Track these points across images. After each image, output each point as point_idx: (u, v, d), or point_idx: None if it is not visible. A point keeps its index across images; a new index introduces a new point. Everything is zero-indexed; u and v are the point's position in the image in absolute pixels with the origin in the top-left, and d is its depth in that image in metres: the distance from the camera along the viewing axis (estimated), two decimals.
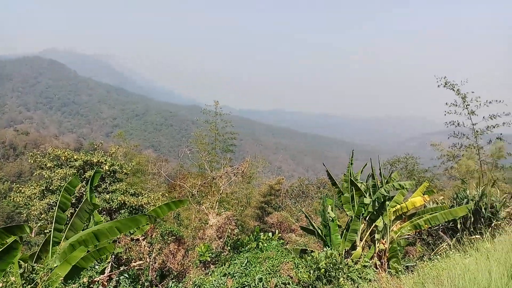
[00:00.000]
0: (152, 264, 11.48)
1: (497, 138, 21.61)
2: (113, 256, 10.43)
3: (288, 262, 10.17)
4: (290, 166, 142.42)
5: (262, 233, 11.56)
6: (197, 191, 14.08)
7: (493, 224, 13.33)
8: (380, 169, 14.15)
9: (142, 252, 11.41)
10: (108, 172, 16.14)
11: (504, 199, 14.60)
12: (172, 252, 11.84)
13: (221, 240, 10.74)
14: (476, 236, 12.30)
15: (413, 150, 33.11)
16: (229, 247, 10.85)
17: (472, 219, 14.60)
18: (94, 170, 10.82)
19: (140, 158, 28.40)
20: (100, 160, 16.19)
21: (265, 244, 11.14)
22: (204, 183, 15.12)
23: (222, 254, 10.76)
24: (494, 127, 21.17)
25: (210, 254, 10.59)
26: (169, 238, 12.39)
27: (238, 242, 11.33)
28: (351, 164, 14.31)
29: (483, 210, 14.20)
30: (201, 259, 10.68)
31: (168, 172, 29.95)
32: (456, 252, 10.17)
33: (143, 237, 11.85)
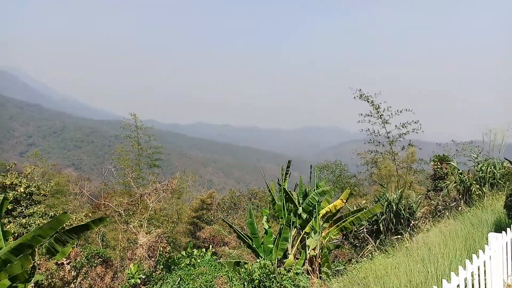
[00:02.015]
0: None
1: (409, 144, 23.46)
2: (32, 285, 9.56)
3: (222, 276, 10.05)
4: (221, 179, 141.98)
5: (195, 249, 11.32)
6: (124, 210, 13.43)
7: (411, 224, 14.30)
8: (311, 177, 14.58)
9: (66, 277, 10.60)
10: (24, 195, 14.86)
11: (419, 200, 15.75)
12: (100, 275, 11.15)
13: (153, 259, 10.32)
14: (397, 236, 13.10)
15: (332, 159, 34.65)
16: (161, 266, 10.46)
17: (394, 221, 15.57)
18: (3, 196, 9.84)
19: (60, 178, 26.60)
20: (14, 182, 14.87)
21: (198, 260, 10.92)
22: (132, 201, 14.49)
23: (154, 274, 10.34)
24: (405, 134, 22.98)
25: (141, 275, 10.13)
26: (96, 261, 11.66)
27: (170, 260, 10.97)
28: (286, 174, 14.60)
29: (402, 212, 15.20)
30: (131, 281, 10.17)
31: (91, 191, 28.32)
32: (380, 253, 10.74)
33: (67, 261, 11.03)
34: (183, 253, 11.41)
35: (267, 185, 15.89)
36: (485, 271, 5.65)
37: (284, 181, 14.46)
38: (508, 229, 6.66)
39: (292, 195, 13.93)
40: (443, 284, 4.47)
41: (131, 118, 26.96)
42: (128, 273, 10.02)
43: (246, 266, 10.23)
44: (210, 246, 11.47)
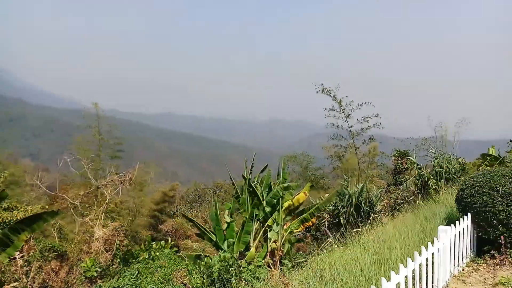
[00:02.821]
0: (30, 285, 10.31)
1: (369, 138, 23.99)
2: None
3: (181, 270, 9.96)
4: (186, 171, 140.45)
5: (154, 242, 11.14)
6: (80, 202, 13.02)
7: (371, 217, 14.62)
8: (280, 170, 14.64)
9: (18, 272, 10.17)
10: None
11: (379, 194, 16.13)
12: (54, 269, 10.78)
13: (109, 253, 10.07)
14: (357, 229, 13.37)
15: (302, 152, 35.02)
16: (118, 260, 10.23)
17: (354, 214, 15.88)
18: None
19: (15, 168, 25.53)
20: None
21: (157, 253, 10.76)
22: (88, 193, 14.07)
23: (111, 268, 10.10)
24: (367, 128, 23.48)
25: (97, 269, 9.86)
26: (50, 255, 11.25)
27: (128, 254, 10.75)
28: (252, 167, 14.60)
29: (362, 205, 15.52)
30: (86, 274, 9.89)
31: (50, 182, 27.35)
32: (339, 245, 10.92)
33: (19, 254, 10.59)
34: (142, 246, 11.22)
35: (230, 178, 15.86)
36: (433, 262, 5.84)
37: (250, 174, 14.47)
38: (457, 222, 6.91)
39: (257, 188, 13.97)
40: (391, 275, 4.57)
41: (93, 107, 26.19)
42: (84, 267, 9.75)
43: (205, 259, 10.17)
44: (170, 239, 11.32)
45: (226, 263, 9.85)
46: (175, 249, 11.20)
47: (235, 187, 14.98)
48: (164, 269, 9.80)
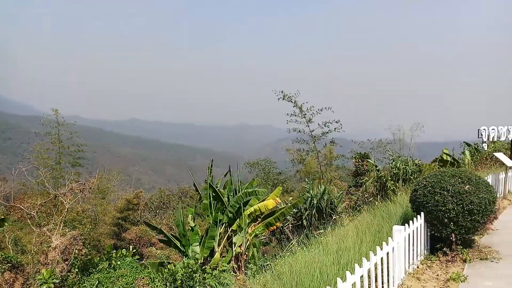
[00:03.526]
0: None
1: (330, 142, 24.68)
2: None
3: (143, 278, 9.78)
4: (150, 177, 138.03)
5: (115, 251, 10.89)
6: (37, 212, 12.55)
7: (333, 219, 14.93)
8: (238, 175, 14.68)
9: None
10: None
11: (340, 195, 16.51)
12: (8, 281, 10.31)
13: (66, 263, 9.77)
14: (320, 231, 13.61)
15: (269, 155, 35.53)
16: (76, 270, 9.93)
17: (317, 215, 16.17)
18: None
19: None
20: None
21: (119, 262, 10.52)
22: (45, 202, 13.60)
23: (69, 278, 9.79)
24: (327, 132, 24.17)
25: (55, 280, 9.53)
26: (4, 266, 10.77)
27: (87, 263, 10.46)
28: (211, 171, 14.56)
29: (324, 207, 15.83)
30: (43, 286, 9.54)
31: (6, 192, 26.23)
32: (302, 248, 11.07)
33: None
34: (102, 255, 10.94)
35: (194, 184, 15.73)
36: (388, 261, 6.04)
37: (212, 178, 14.44)
38: (410, 221, 7.19)
39: (221, 193, 13.96)
40: (347, 275, 4.71)
41: (53, 113, 25.42)
42: (40, 279, 9.39)
43: (169, 266, 10.05)
44: (131, 247, 11.10)
45: (190, 270, 9.77)
46: (137, 257, 10.99)
47: (198, 193, 14.92)
48: (126, 278, 9.59)
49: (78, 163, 25.64)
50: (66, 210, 11.03)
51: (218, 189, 14.41)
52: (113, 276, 9.68)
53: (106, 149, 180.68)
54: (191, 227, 13.34)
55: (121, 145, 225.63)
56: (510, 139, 16.28)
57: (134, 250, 11.42)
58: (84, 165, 28.51)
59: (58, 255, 9.51)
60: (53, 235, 9.92)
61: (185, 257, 12.45)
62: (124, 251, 11.29)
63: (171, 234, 13.92)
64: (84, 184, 11.10)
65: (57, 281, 9.22)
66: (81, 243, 10.32)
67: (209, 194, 13.66)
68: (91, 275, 9.98)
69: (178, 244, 13.15)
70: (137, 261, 11.78)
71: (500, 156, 14.33)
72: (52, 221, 11.79)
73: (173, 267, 9.71)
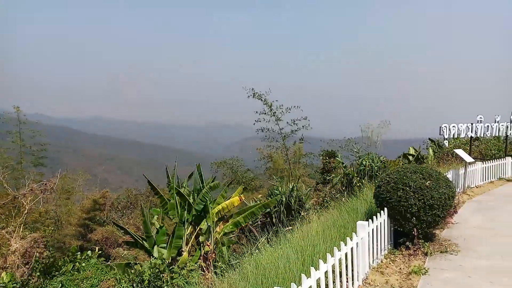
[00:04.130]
0: None
1: (300, 140, 25.00)
2: None
3: (109, 279, 9.61)
4: (118, 177, 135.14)
5: (78, 253, 10.64)
6: None
7: (301, 215, 15.10)
8: (201, 174, 14.60)
9: None
10: None
11: (308, 192, 16.72)
12: None
13: (28, 266, 9.45)
14: (289, 228, 13.73)
15: (237, 153, 35.51)
16: (38, 273, 9.63)
17: (285, 212, 16.30)
18: None
19: None
20: None
21: (83, 264, 10.28)
22: (4, 203, 13.08)
23: (31, 283, 9.48)
24: (296, 131, 24.47)
25: (15, 284, 9.21)
26: None
27: (50, 266, 10.16)
28: (175, 170, 14.43)
29: (293, 204, 15.99)
30: None
31: None
32: (271, 244, 11.13)
33: None
34: (66, 257, 10.66)
35: (151, 185, 15.45)
36: (352, 256, 6.17)
37: (177, 178, 14.30)
38: (374, 217, 7.36)
39: (185, 192, 13.86)
40: (311, 271, 4.77)
41: (14, 111, 24.51)
42: (0, 284, 9.06)
43: (135, 267, 9.89)
44: (97, 249, 10.87)
45: (157, 270, 9.66)
46: (102, 258, 10.77)
47: (158, 194, 14.78)
48: (91, 280, 9.40)
49: (41, 163, 24.82)
50: (26, 211, 10.65)
51: (185, 188, 14.30)
52: (77, 279, 9.47)
53: (71, 148, 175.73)
54: (157, 228, 13.18)
55: (86, 144, 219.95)
56: (469, 136, 16.94)
57: (100, 252, 11.20)
58: (47, 165, 27.61)
59: (18, 258, 9.18)
60: (12, 238, 9.56)
61: (152, 257, 12.29)
62: (89, 252, 11.05)
63: (138, 235, 13.71)
64: (45, 184, 10.75)
65: (18, 285, 8.92)
66: (43, 246, 10.01)
67: (174, 194, 13.54)
68: (54, 278, 9.72)
69: (145, 244, 12.96)
70: (104, 262, 11.55)
71: (460, 152, 14.88)
72: (11, 223, 11.36)
73: (140, 268, 9.57)
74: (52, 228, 17.97)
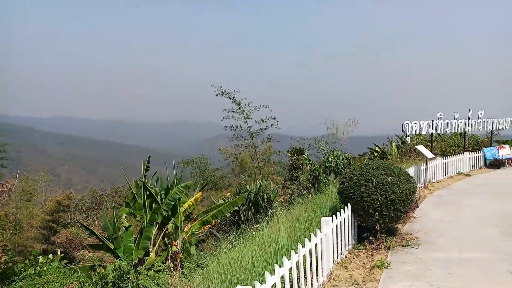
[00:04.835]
0: None
1: (268, 138, 25.19)
2: None
3: (72, 283, 9.34)
4: (82, 177, 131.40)
5: (40, 256, 10.29)
6: None
7: (269, 213, 15.20)
8: (174, 173, 14.47)
9: None
10: None
11: (276, 190, 16.84)
12: None
13: None
14: (257, 225, 13.80)
15: (207, 152, 35.31)
16: None
17: (253, 210, 16.36)
18: None
19: None
20: None
21: (45, 268, 9.95)
22: None
23: None
24: (265, 129, 24.63)
25: None
26: None
27: (9, 271, 9.79)
28: (147, 169, 14.21)
29: (261, 202, 16.06)
30: None
31: None
32: (239, 243, 11.16)
33: None
34: (27, 261, 10.29)
35: (128, 182, 15.26)
36: (317, 252, 6.26)
37: (145, 177, 14.10)
38: (338, 213, 7.50)
39: (155, 192, 13.67)
40: (275, 269, 4.80)
41: None
42: None
43: (99, 269, 9.67)
44: (59, 251, 10.55)
45: (122, 272, 9.48)
46: (65, 261, 10.46)
47: (132, 192, 14.50)
48: (52, 284, 9.10)
49: (0, 164, 23.82)
50: None
51: (153, 188, 14.10)
52: (38, 283, 9.15)
53: (33, 148, 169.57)
54: (125, 227, 12.94)
55: (49, 143, 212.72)
56: (430, 132, 17.54)
57: (62, 255, 10.88)
58: (7, 166, 26.56)
59: None
60: None
61: (118, 259, 12.06)
62: (51, 255, 10.71)
63: (103, 236, 13.42)
64: (2, 186, 10.33)
65: None
66: (0, 250, 9.62)
67: (143, 193, 13.34)
68: (13, 283, 9.36)
69: (111, 246, 12.70)
70: (67, 265, 11.23)
71: (421, 148, 15.37)
72: None
73: (103, 270, 9.36)
74: (11, 231, 17.29)
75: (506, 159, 20.43)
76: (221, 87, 24.96)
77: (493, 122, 20.99)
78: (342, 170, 15.43)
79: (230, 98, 24.55)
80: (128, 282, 9.17)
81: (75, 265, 13.22)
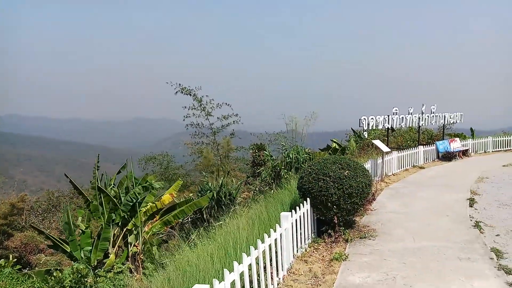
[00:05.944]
0: None
1: (230, 134, 25.20)
2: None
3: None
4: (37, 178, 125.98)
5: None
6: None
7: (232, 210, 15.20)
8: (132, 171, 14.15)
9: None
10: None
11: (238, 187, 16.86)
12: None
13: None
14: (219, 223, 13.77)
15: (169, 149, 34.75)
16: None
17: (216, 208, 16.32)
18: None
19: None
20: None
21: None
22: None
23: None
24: (227, 125, 24.61)
25: None
26: None
27: None
28: (97, 169, 13.79)
29: (223, 199, 16.05)
30: None
31: None
32: (202, 241, 11.10)
33: None
34: None
35: (75, 185, 14.70)
36: (276, 247, 6.34)
37: (101, 176, 13.71)
38: (297, 207, 7.62)
39: (115, 192, 13.34)
40: (234, 265, 4.82)
41: None
42: None
43: (55, 273, 9.35)
44: (11, 256, 10.10)
45: (80, 275, 9.22)
46: (18, 266, 10.03)
47: (82, 195, 14.10)
48: None
49: None
50: None
51: (112, 188, 13.75)
52: None
53: None
54: (81, 230, 12.56)
55: (1, 143, 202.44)
56: (386, 127, 18.12)
57: (15, 260, 10.45)
58: None
59: None
60: None
61: (76, 262, 11.71)
62: (2, 261, 10.26)
63: (60, 238, 12.97)
64: None
65: None
66: None
67: (98, 194, 12.96)
68: None
69: (68, 248, 12.30)
70: (21, 270, 10.79)
71: (378, 143, 15.86)
72: None
73: (60, 274, 9.07)
74: None
75: (457, 151, 21.47)
76: (180, 84, 24.71)
77: (445, 116, 22.00)
78: (303, 165, 15.66)
79: (190, 95, 24.35)
80: (86, 285, 8.94)
81: (30, 270, 12.72)
